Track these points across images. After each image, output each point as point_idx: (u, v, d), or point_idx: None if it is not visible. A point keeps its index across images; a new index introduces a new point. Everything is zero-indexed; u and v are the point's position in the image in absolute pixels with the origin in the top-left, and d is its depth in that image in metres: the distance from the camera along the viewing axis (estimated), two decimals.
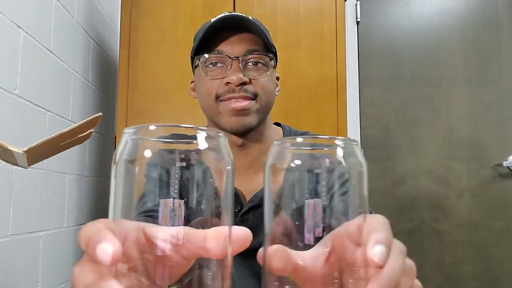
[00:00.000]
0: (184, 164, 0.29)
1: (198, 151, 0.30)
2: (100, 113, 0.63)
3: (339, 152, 0.31)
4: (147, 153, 0.29)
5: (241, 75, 0.82)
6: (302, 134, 0.95)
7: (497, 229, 2.03)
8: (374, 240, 0.30)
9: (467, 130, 2.10)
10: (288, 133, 0.95)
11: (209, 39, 0.85)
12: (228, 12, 0.87)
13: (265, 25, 0.90)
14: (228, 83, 0.83)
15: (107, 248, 0.26)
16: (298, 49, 1.70)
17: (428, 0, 2.19)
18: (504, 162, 2.03)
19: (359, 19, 2.18)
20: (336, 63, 1.69)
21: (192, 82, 0.95)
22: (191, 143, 0.30)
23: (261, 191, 0.86)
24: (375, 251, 0.29)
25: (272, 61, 0.88)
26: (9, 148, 0.55)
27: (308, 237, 0.31)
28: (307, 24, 1.72)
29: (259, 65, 0.85)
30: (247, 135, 0.86)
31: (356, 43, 2.17)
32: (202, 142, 0.30)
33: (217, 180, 0.30)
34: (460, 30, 2.16)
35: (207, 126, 0.97)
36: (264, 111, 0.86)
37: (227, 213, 0.31)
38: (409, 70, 2.16)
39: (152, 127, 0.29)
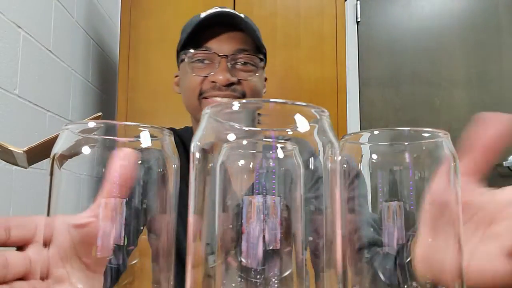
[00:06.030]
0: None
1: (141, 150, 0.29)
2: (100, 113, 0.63)
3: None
4: (85, 150, 0.28)
5: (228, 75, 0.78)
6: None
7: None
8: None
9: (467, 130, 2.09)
10: None
11: (197, 34, 0.81)
12: (219, 8, 0.83)
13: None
14: (213, 82, 0.79)
15: None
16: (298, 49, 1.70)
17: (428, 0, 2.19)
18: (504, 162, 2.03)
19: (359, 19, 2.17)
20: (336, 63, 1.69)
21: (176, 76, 0.90)
22: (135, 141, 0.29)
23: None
24: None
25: (262, 62, 0.84)
26: (9, 148, 0.55)
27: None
28: (307, 24, 1.72)
29: (248, 65, 0.81)
30: None
31: (356, 43, 2.17)
32: (145, 141, 0.29)
33: (161, 179, 0.30)
34: (461, 30, 2.16)
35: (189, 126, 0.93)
36: None
37: (172, 212, 0.30)
38: (409, 70, 2.16)
39: (92, 124, 0.29)
